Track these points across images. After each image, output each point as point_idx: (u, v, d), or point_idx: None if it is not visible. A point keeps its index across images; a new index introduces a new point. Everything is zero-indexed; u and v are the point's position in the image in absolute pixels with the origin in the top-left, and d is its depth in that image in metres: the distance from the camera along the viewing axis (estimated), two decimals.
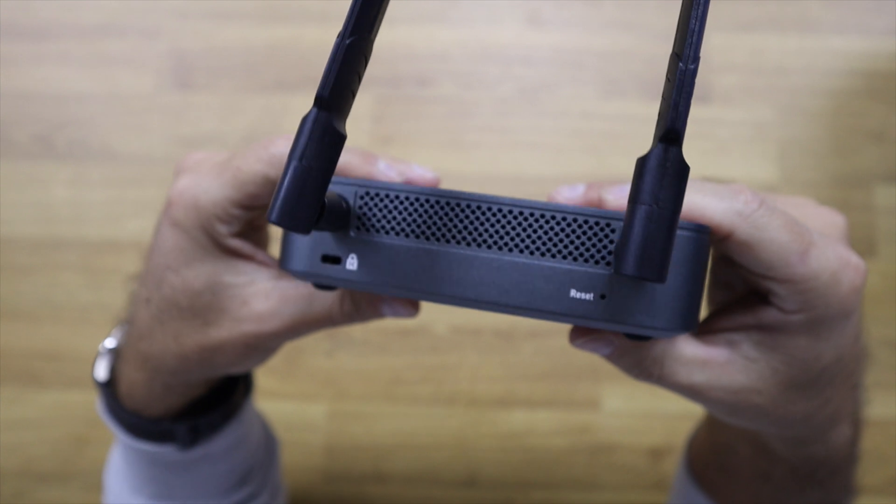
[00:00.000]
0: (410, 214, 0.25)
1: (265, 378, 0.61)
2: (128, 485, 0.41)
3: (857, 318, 0.29)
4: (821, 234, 0.26)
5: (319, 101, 0.21)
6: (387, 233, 0.25)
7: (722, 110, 0.65)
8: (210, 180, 0.29)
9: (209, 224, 0.29)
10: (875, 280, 0.63)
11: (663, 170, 0.20)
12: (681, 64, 0.20)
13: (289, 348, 0.62)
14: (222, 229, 0.29)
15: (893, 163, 0.64)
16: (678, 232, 0.24)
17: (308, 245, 0.26)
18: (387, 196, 0.25)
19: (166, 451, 0.37)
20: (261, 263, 0.31)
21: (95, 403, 0.38)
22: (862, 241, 0.63)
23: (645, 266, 0.19)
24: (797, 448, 0.35)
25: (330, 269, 0.26)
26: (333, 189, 0.26)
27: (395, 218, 0.25)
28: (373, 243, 0.25)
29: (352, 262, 0.26)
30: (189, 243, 0.29)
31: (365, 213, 0.26)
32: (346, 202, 0.25)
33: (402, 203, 0.25)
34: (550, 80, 0.66)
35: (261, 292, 0.30)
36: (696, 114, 0.65)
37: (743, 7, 0.66)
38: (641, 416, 0.62)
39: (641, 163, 0.20)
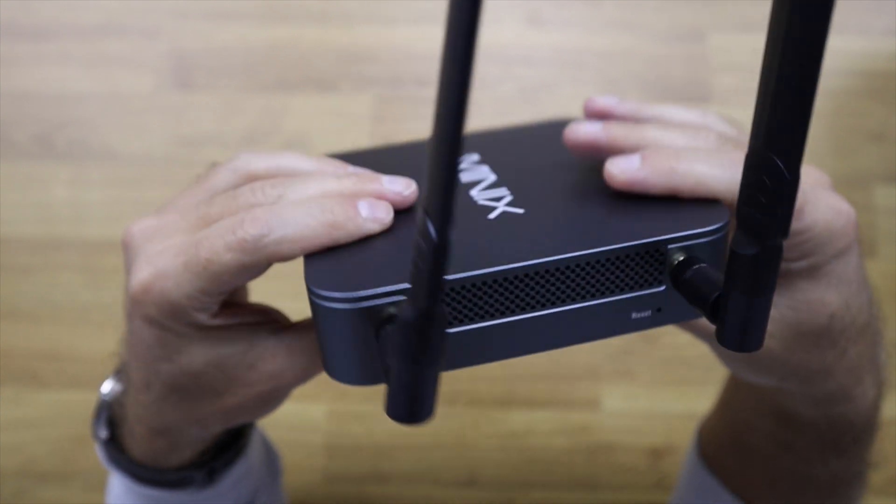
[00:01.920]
0: (478, 301, 0.24)
1: None
2: None
3: (855, 263, 0.31)
4: (811, 188, 0.27)
5: (426, 312, 0.19)
6: (461, 322, 0.24)
7: (722, 110, 0.65)
8: (177, 274, 0.25)
9: (187, 316, 0.26)
10: (875, 280, 0.63)
11: (766, 264, 0.21)
12: (787, 174, 0.19)
13: None
14: (202, 317, 0.26)
15: (893, 163, 0.64)
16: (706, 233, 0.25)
17: (373, 356, 0.24)
18: (453, 290, 0.24)
19: (179, 494, 0.36)
20: (253, 324, 0.29)
21: (96, 451, 0.37)
22: (862, 242, 0.63)
23: (750, 344, 0.22)
24: (825, 408, 0.35)
25: None
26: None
27: (465, 308, 0.24)
28: (450, 335, 0.24)
29: None
30: (172, 336, 0.27)
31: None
32: None
33: (468, 293, 0.24)
34: (550, 80, 0.66)
35: (266, 353, 0.28)
36: None
37: (743, 7, 0.66)
38: (641, 415, 0.62)
39: (740, 257, 0.21)
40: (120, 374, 0.35)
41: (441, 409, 0.68)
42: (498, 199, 0.28)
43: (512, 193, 0.28)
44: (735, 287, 0.21)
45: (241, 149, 0.66)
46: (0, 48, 0.68)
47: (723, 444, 0.44)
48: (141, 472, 0.34)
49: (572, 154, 0.30)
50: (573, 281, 0.25)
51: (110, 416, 0.35)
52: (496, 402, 0.63)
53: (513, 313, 0.25)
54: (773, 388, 0.35)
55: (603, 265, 0.25)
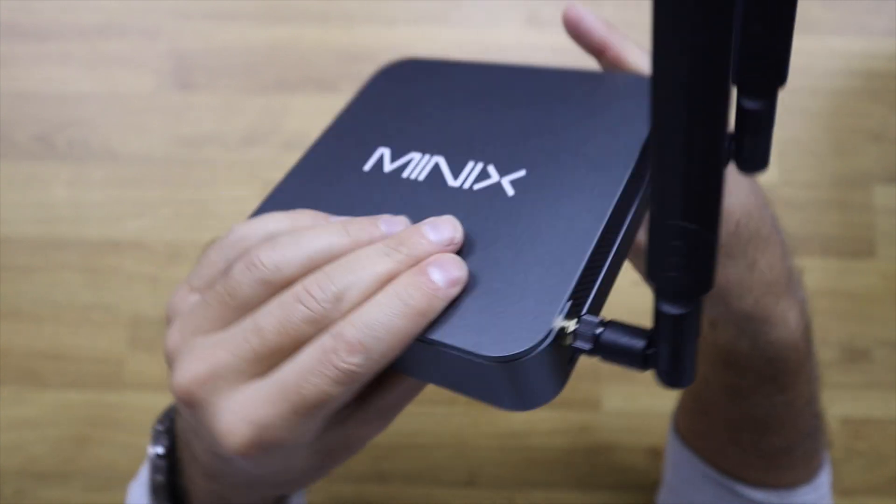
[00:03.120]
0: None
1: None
2: None
3: (749, 179, 0.34)
4: None
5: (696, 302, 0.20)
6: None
7: None
8: (287, 422, 0.22)
9: (300, 446, 0.24)
10: (874, 280, 0.63)
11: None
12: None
13: None
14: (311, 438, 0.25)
15: (892, 163, 0.64)
16: None
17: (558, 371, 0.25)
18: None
19: None
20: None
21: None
22: (861, 241, 0.63)
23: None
24: (753, 337, 0.36)
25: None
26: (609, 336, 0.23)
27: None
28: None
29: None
30: (273, 459, 0.24)
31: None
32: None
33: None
34: None
35: (360, 422, 0.27)
36: None
37: None
38: (641, 415, 0.62)
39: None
40: (169, 446, 0.32)
41: (441, 409, 0.69)
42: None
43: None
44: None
45: (241, 147, 0.66)
46: (0, 48, 0.69)
47: (688, 410, 0.47)
48: None
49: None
50: None
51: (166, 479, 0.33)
52: None
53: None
54: (707, 325, 0.38)
55: None
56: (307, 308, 0.22)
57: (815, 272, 0.63)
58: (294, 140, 0.66)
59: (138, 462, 0.64)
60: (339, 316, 0.22)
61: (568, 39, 0.39)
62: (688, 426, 0.47)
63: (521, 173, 0.28)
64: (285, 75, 0.67)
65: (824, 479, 0.44)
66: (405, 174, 0.30)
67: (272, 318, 0.23)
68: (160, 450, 0.32)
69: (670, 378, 0.22)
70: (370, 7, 0.68)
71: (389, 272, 0.23)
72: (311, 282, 0.23)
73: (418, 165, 0.30)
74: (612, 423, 0.62)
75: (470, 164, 0.29)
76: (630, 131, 0.29)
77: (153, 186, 0.66)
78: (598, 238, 0.25)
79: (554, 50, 0.66)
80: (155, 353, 0.64)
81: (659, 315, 0.21)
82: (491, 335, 0.23)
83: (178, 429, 0.31)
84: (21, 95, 0.68)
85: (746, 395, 0.40)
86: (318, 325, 0.22)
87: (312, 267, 0.24)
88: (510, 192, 0.28)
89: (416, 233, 0.24)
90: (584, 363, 0.65)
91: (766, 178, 0.64)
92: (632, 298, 0.40)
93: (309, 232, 0.24)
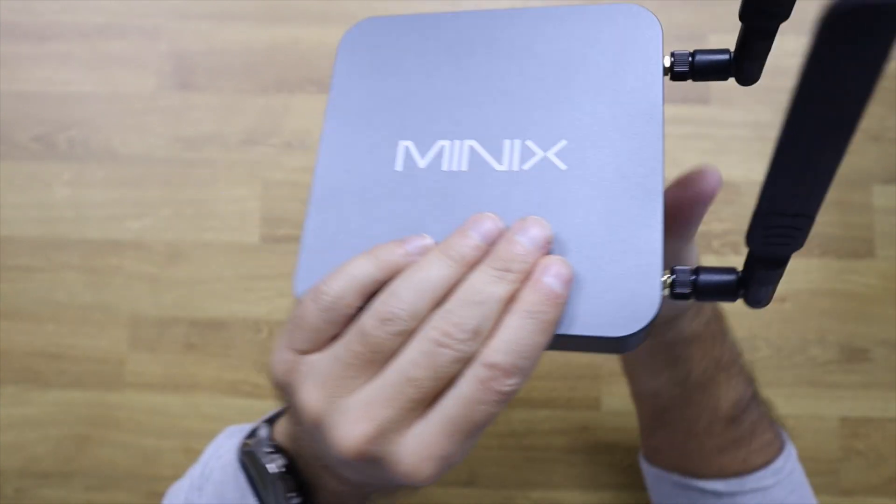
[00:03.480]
0: None
1: (266, 378, 0.61)
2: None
3: None
4: None
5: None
6: None
7: (721, 111, 0.65)
8: (461, 448, 0.25)
9: None
10: (874, 280, 0.63)
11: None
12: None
13: None
14: None
15: (892, 163, 0.64)
16: None
17: None
18: None
19: None
20: None
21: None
22: (860, 242, 0.63)
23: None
24: (675, 333, 0.42)
25: None
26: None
27: None
28: None
29: None
30: None
31: None
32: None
33: None
34: None
35: None
36: (696, 114, 0.65)
37: None
38: None
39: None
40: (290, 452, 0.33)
41: None
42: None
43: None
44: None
45: (241, 148, 0.66)
46: (1, 49, 0.69)
47: (649, 431, 0.50)
48: None
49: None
50: None
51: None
52: None
53: None
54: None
55: None
56: (453, 351, 0.24)
57: (815, 272, 0.63)
58: (294, 140, 0.66)
59: (138, 461, 0.64)
60: (479, 347, 0.24)
61: None
62: (652, 447, 0.51)
63: (563, 143, 0.28)
64: (285, 75, 0.67)
65: (783, 465, 0.46)
66: (445, 167, 0.29)
67: (422, 368, 0.24)
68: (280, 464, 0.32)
69: (760, 304, 0.27)
70: (370, 7, 0.68)
71: (510, 293, 0.25)
72: (445, 325, 0.24)
73: (453, 154, 0.29)
74: (612, 422, 0.62)
75: (507, 144, 0.29)
76: (642, 60, 0.29)
77: (154, 187, 0.66)
78: (663, 191, 0.27)
79: None
80: (155, 353, 0.64)
81: (755, 266, 0.25)
82: (610, 316, 0.25)
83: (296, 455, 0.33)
84: (22, 96, 0.68)
85: (689, 395, 0.45)
86: (465, 362, 0.24)
87: (436, 304, 0.25)
88: (561, 165, 0.28)
89: (514, 245, 0.26)
90: (585, 363, 0.65)
91: None
92: None
93: (417, 272, 0.26)
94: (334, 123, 0.31)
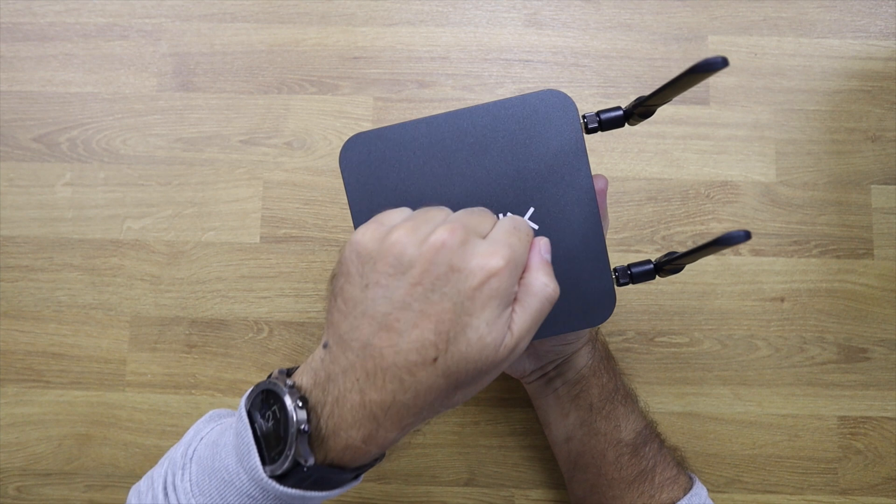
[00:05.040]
0: None
1: (265, 377, 0.61)
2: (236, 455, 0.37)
3: None
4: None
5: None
6: None
7: (720, 111, 0.65)
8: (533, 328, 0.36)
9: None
10: (872, 280, 0.63)
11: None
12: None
13: (289, 346, 0.63)
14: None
15: (890, 163, 0.64)
16: None
17: None
18: None
19: (326, 494, 0.36)
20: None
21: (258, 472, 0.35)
22: (859, 242, 0.64)
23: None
24: (574, 371, 0.52)
25: None
26: None
27: None
28: None
29: None
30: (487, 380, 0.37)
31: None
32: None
33: None
34: (550, 81, 0.66)
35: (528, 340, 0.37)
36: (695, 114, 0.65)
37: (740, 9, 0.66)
38: None
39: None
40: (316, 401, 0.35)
41: None
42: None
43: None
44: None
45: (242, 148, 0.66)
46: (2, 49, 0.69)
47: (573, 481, 0.55)
48: (331, 475, 0.35)
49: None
50: None
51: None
52: (496, 401, 0.63)
53: None
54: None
55: None
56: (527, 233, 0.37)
57: (813, 272, 0.63)
58: (295, 140, 0.66)
59: (139, 461, 0.64)
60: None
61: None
62: (577, 496, 0.55)
63: (531, 210, 0.42)
64: (286, 76, 0.67)
65: (688, 502, 0.50)
66: None
67: (511, 234, 0.36)
68: (300, 404, 0.35)
69: (675, 274, 0.49)
70: (370, 7, 0.68)
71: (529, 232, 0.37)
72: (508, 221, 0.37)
73: None
74: None
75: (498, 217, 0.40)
76: (567, 125, 0.42)
77: (154, 187, 0.66)
78: (601, 227, 0.42)
79: (553, 50, 0.66)
80: (156, 353, 0.64)
81: (666, 267, 0.42)
82: (586, 313, 0.42)
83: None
84: (23, 96, 0.68)
85: (591, 428, 0.52)
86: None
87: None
88: (535, 226, 0.42)
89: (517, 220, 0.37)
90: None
91: (765, 178, 0.64)
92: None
93: (469, 213, 0.37)
94: (360, 219, 0.42)
